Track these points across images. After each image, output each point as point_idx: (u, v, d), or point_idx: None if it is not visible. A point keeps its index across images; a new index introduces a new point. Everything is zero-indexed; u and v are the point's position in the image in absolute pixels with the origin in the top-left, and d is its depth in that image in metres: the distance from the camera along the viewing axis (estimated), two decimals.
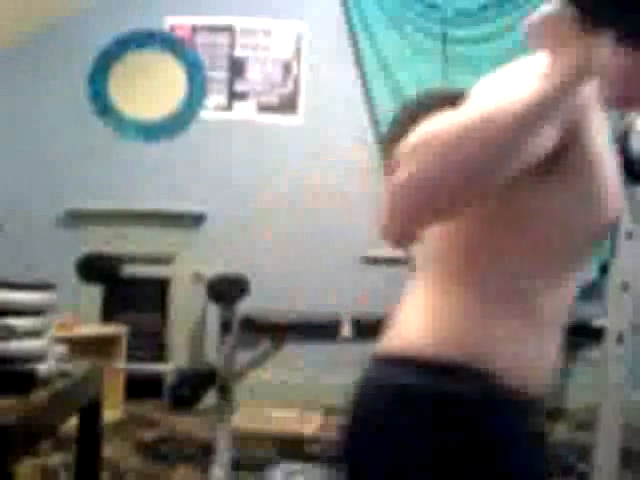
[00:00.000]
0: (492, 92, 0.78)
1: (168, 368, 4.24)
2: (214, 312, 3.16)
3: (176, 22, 4.82)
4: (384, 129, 4.42)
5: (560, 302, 0.92)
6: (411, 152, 0.77)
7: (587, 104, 0.84)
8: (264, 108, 4.80)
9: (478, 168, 0.74)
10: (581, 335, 2.73)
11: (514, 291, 0.88)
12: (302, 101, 4.80)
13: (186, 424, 3.77)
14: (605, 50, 0.72)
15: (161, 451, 3.30)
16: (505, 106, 0.74)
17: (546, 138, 0.77)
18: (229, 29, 4.83)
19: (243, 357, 2.93)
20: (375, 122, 4.74)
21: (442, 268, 0.93)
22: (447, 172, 0.75)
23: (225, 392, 2.83)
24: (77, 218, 4.67)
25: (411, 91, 4.44)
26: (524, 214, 0.87)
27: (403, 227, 0.84)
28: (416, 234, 0.89)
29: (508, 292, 0.88)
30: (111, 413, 3.74)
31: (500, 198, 0.85)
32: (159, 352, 4.60)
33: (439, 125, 0.76)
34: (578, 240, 0.90)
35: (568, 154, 0.83)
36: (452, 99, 0.83)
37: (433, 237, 0.95)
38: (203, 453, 3.20)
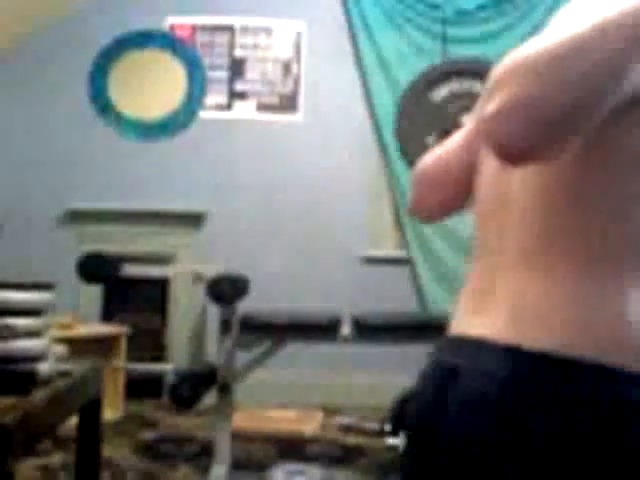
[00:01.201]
0: (589, 13, 0.72)
1: (168, 368, 4.24)
2: (214, 312, 3.16)
3: (176, 22, 4.82)
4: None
5: None
6: (509, 75, 0.70)
7: None
8: (264, 108, 4.80)
9: (589, 84, 0.68)
10: None
11: None
12: (302, 101, 4.80)
13: (186, 424, 3.77)
14: None
15: (161, 451, 3.30)
16: (612, 21, 0.69)
17: None
18: (229, 29, 4.83)
19: (243, 357, 2.93)
20: (375, 122, 4.74)
21: (573, 240, 0.84)
22: (559, 92, 0.68)
23: (225, 392, 2.83)
24: (77, 218, 4.67)
25: None
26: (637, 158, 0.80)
27: (508, 154, 0.73)
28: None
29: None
30: (111, 413, 3.74)
31: (609, 141, 0.80)
32: (159, 352, 4.60)
33: (540, 45, 0.70)
34: None
35: None
36: (471, 68, 0.79)
37: (536, 205, 0.86)
38: (203, 453, 3.20)
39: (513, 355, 0.83)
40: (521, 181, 0.88)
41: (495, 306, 0.89)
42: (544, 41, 0.70)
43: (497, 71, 0.71)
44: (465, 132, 1.08)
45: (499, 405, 0.82)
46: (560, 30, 0.71)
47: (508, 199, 0.92)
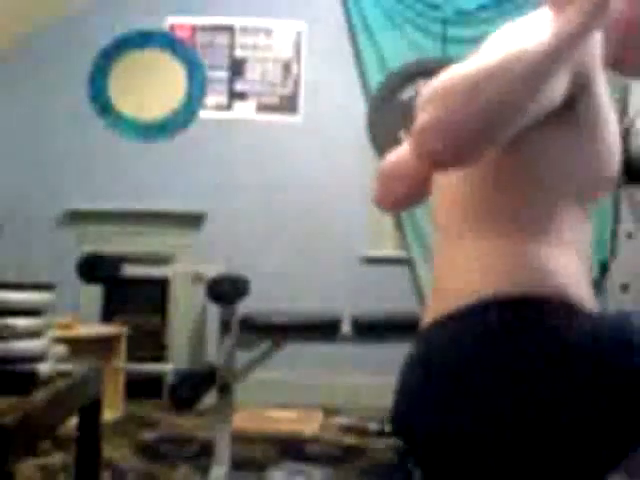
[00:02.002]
0: (506, 41, 0.82)
1: (168, 368, 4.24)
2: (214, 312, 3.16)
3: (176, 22, 4.82)
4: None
5: (585, 242, 1.00)
6: (433, 97, 0.79)
7: (594, 61, 0.90)
8: (264, 108, 4.80)
9: (498, 112, 0.77)
10: None
11: (551, 228, 0.96)
12: (302, 101, 4.80)
13: (186, 424, 3.78)
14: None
15: (161, 451, 3.30)
16: (522, 50, 0.77)
17: (558, 86, 0.81)
18: (229, 29, 4.83)
19: (243, 357, 2.93)
20: None
21: (480, 220, 0.98)
22: (469, 116, 0.77)
23: (225, 392, 2.83)
24: (77, 218, 4.67)
25: None
26: (541, 164, 0.92)
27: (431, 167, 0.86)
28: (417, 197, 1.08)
29: (547, 229, 0.95)
30: (111, 413, 3.74)
31: (519, 149, 0.91)
32: (159, 352, 4.60)
33: (460, 71, 0.78)
34: (589, 187, 0.97)
35: (578, 106, 0.89)
36: (439, 68, 0.85)
37: (457, 197, 1.00)
38: (203, 453, 3.20)
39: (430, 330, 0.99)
40: (455, 175, 1.01)
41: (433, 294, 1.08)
42: (469, 65, 0.79)
43: (428, 89, 0.81)
44: None
45: (430, 387, 0.96)
46: (481, 57, 0.80)
47: (446, 190, 1.05)
